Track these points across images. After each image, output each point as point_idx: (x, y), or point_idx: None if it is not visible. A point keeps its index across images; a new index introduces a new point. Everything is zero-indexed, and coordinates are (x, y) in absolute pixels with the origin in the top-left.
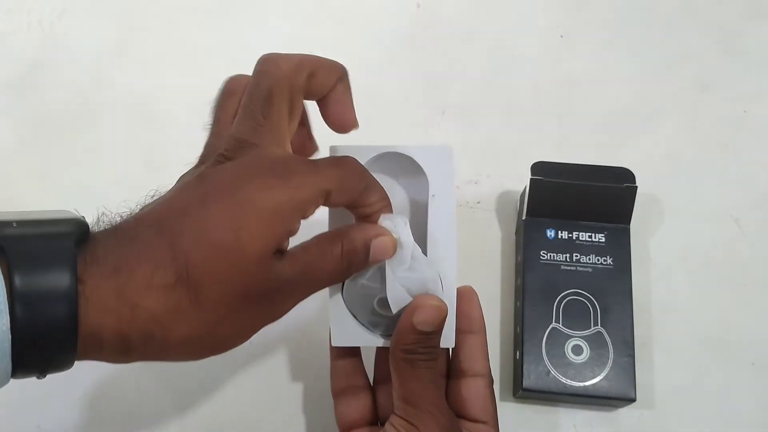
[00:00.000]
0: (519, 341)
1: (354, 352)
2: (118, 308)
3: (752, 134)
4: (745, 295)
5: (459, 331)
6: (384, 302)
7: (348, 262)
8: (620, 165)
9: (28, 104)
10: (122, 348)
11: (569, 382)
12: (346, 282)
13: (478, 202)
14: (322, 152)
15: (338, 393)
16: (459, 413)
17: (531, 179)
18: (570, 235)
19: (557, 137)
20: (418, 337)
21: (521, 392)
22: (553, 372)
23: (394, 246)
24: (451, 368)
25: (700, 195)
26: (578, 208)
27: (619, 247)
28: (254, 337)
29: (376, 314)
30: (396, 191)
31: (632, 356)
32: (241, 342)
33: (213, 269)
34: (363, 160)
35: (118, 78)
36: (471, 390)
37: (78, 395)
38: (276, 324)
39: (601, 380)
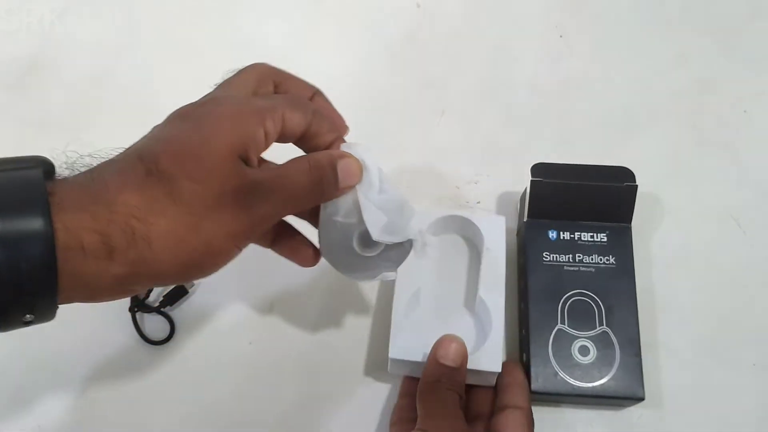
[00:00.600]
0: (525, 343)
1: (414, 391)
2: (95, 208)
3: (752, 134)
4: (744, 294)
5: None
6: (363, 238)
7: (318, 175)
8: (620, 165)
9: (28, 104)
10: (105, 249)
11: (577, 383)
12: (323, 222)
13: (478, 202)
14: None
15: (395, 422)
16: None
17: (531, 181)
18: (572, 236)
19: (557, 137)
20: (441, 370)
21: (529, 394)
22: (561, 373)
23: (360, 168)
24: (495, 407)
25: (700, 195)
26: (579, 209)
27: (622, 246)
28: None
29: (356, 255)
30: (458, 242)
31: (639, 355)
32: (229, 252)
33: (182, 164)
34: (432, 219)
35: (117, 78)
36: (508, 418)
37: (78, 395)
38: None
39: (609, 380)
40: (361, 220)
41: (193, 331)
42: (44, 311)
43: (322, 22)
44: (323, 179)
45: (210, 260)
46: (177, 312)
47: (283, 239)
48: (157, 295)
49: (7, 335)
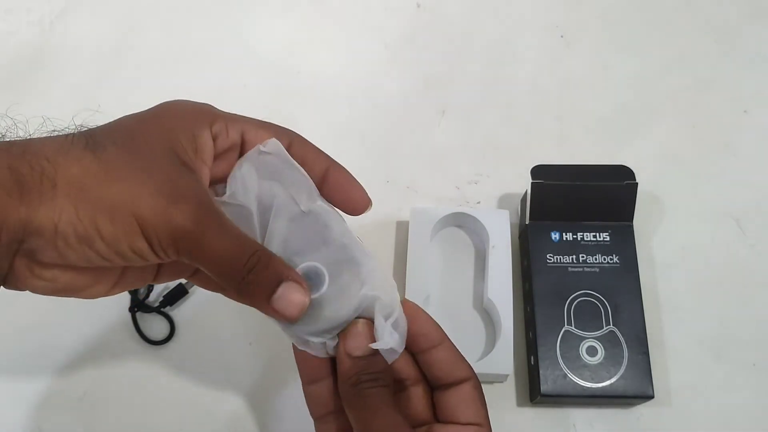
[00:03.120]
0: (532, 346)
1: (326, 374)
2: (9, 147)
3: (752, 134)
4: (744, 294)
5: (421, 351)
6: (309, 272)
7: (252, 263)
8: (620, 164)
9: (28, 104)
10: (16, 185)
11: (586, 384)
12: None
13: (478, 202)
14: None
15: (319, 417)
16: (450, 420)
17: (531, 183)
18: (575, 237)
19: (557, 137)
20: (357, 365)
21: (539, 398)
22: (570, 375)
23: (304, 308)
24: (433, 386)
25: (700, 195)
26: (581, 209)
27: (625, 244)
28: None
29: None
30: (463, 241)
31: (647, 353)
32: (127, 237)
33: (112, 134)
34: (438, 217)
35: (117, 78)
36: (458, 395)
37: (78, 396)
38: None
39: (618, 380)
40: (302, 254)
41: (193, 331)
42: None
43: (322, 22)
44: (253, 276)
45: (108, 228)
46: (177, 312)
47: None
48: (157, 295)
49: (7, 336)
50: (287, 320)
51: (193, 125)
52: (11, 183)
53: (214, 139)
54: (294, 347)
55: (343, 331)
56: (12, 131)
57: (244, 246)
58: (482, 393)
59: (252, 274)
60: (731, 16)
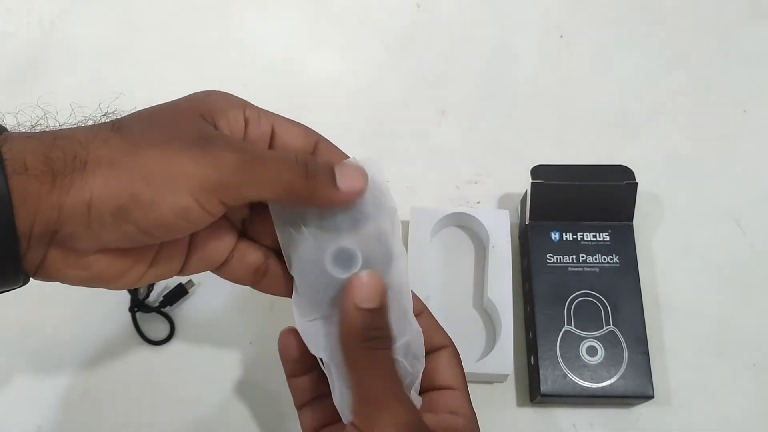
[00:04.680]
0: (532, 346)
1: (310, 366)
2: (41, 135)
3: (752, 134)
4: (744, 294)
5: None
6: (342, 254)
7: (302, 160)
8: (619, 164)
9: (28, 104)
10: (48, 173)
11: (586, 384)
12: (294, 235)
13: (478, 202)
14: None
15: (302, 406)
16: (427, 386)
17: (531, 183)
18: (575, 237)
19: (557, 137)
20: (366, 319)
21: (539, 398)
22: (570, 375)
23: (365, 175)
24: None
25: (700, 195)
26: (580, 209)
27: (625, 244)
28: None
29: (327, 278)
30: (463, 241)
31: (646, 353)
32: (176, 195)
33: (140, 118)
34: (438, 217)
35: (117, 78)
36: (435, 362)
37: (78, 395)
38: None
39: (618, 379)
40: (341, 233)
41: (193, 331)
42: (7, 254)
43: (322, 23)
44: (311, 170)
45: (145, 192)
46: (177, 312)
47: (272, 273)
48: (157, 295)
49: (7, 336)
50: (358, 194)
51: (225, 104)
52: (45, 172)
53: (246, 123)
54: (279, 345)
55: (349, 285)
56: (42, 122)
57: (287, 157)
58: (459, 360)
59: (310, 172)
60: (731, 16)
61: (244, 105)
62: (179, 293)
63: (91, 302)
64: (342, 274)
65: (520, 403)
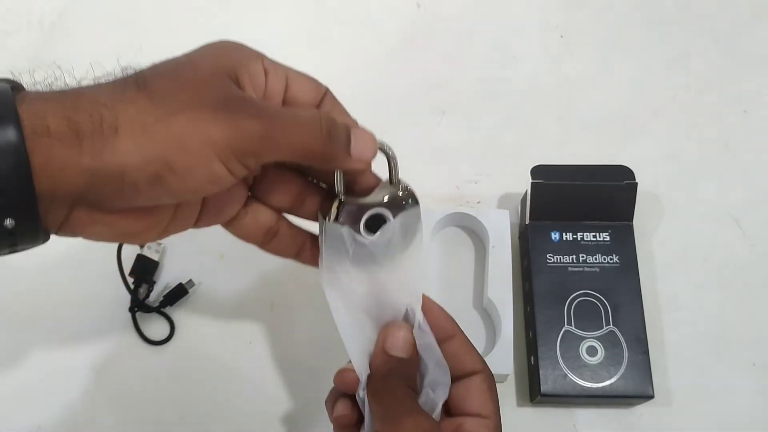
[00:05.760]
0: (532, 346)
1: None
2: (62, 97)
3: (752, 134)
4: (744, 294)
5: (438, 342)
6: (375, 220)
7: (327, 127)
8: (619, 164)
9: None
10: (73, 135)
11: (586, 383)
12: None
13: (478, 202)
14: None
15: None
16: (459, 412)
17: (531, 183)
18: (575, 236)
19: (557, 137)
20: (391, 364)
21: (539, 398)
22: (570, 375)
23: (376, 145)
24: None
25: (700, 195)
26: (581, 209)
27: (625, 244)
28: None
29: (359, 246)
30: (463, 241)
31: (647, 353)
32: (206, 159)
33: (162, 75)
34: (438, 217)
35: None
36: (467, 386)
37: (78, 395)
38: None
39: (618, 379)
40: (373, 200)
41: (193, 331)
42: (25, 213)
43: (322, 22)
44: (333, 135)
45: (182, 160)
46: (177, 312)
47: (310, 249)
48: (157, 295)
49: (8, 336)
50: (367, 163)
51: (244, 57)
52: (68, 133)
53: (266, 73)
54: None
55: (383, 331)
56: (60, 80)
57: (311, 119)
58: (494, 386)
59: (332, 136)
60: (731, 16)
61: (261, 57)
62: (179, 293)
63: (91, 302)
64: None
65: (520, 403)
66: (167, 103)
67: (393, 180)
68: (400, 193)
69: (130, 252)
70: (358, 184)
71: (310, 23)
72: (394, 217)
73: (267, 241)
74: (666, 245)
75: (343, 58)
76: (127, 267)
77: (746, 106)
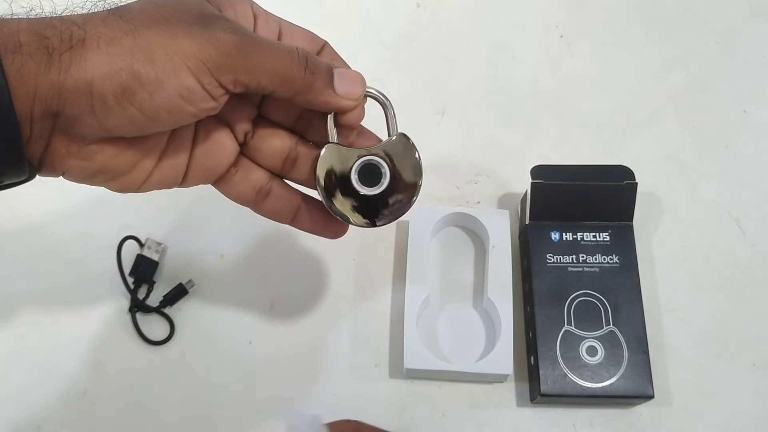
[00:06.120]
0: (532, 346)
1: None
2: (34, 18)
3: (752, 134)
4: (744, 294)
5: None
6: (368, 169)
7: (304, 54)
8: (619, 164)
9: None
10: (44, 51)
11: (586, 384)
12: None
13: (478, 202)
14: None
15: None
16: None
17: (531, 183)
18: (574, 237)
19: (557, 137)
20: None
21: (539, 398)
22: (570, 375)
23: (364, 82)
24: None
25: (700, 195)
26: (580, 209)
27: (624, 244)
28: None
29: (352, 194)
30: (463, 241)
31: (647, 353)
32: (179, 73)
33: (143, 4)
34: (438, 217)
35: None
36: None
37: (78, 395)
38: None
39: (618, 380)
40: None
41: (193, 331)
42: (6, 134)
43: (322, 22)
44: (311, 64)
45: (150, 70)
46: (177, 312)
47: (306, 212)
48: (157, 295)
49: (8, 336)
50: (356, 99)
51: None
52: (38, 48)
53: (255, 17)
54: None
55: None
56: (37, 9)
57: (289, 48)
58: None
59: (309, 65)
60: (731, 16)
61: (251, 1)
62: (179, 293)
63: (91, 302)
64: (369, 188)
65: (520, 403)
66: (138, 18)
67: (391, 132)
68: (394, 138)
69: (130, 252)
70: (346, 118)
71: (309, 23)
72: (387, 165)
73: (259, 201)
74: (666, 245)
75: (343, 57)
76: (127, 267)
77: (746, 106)
